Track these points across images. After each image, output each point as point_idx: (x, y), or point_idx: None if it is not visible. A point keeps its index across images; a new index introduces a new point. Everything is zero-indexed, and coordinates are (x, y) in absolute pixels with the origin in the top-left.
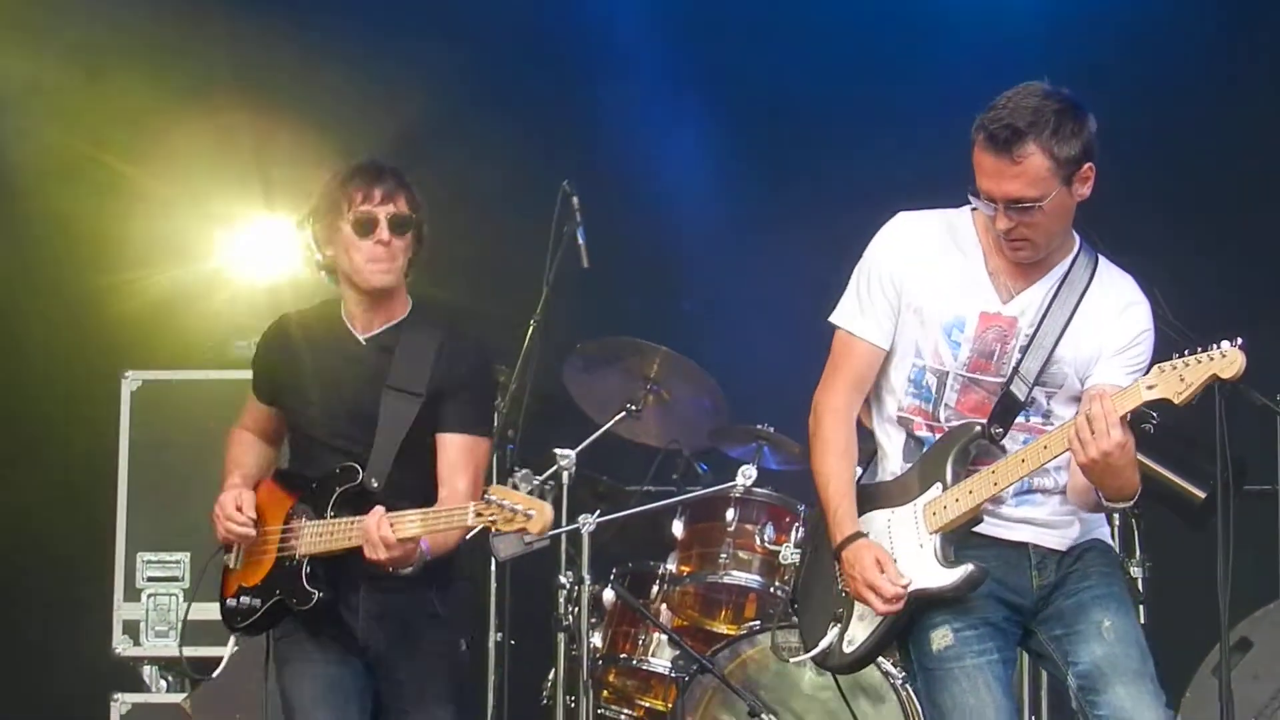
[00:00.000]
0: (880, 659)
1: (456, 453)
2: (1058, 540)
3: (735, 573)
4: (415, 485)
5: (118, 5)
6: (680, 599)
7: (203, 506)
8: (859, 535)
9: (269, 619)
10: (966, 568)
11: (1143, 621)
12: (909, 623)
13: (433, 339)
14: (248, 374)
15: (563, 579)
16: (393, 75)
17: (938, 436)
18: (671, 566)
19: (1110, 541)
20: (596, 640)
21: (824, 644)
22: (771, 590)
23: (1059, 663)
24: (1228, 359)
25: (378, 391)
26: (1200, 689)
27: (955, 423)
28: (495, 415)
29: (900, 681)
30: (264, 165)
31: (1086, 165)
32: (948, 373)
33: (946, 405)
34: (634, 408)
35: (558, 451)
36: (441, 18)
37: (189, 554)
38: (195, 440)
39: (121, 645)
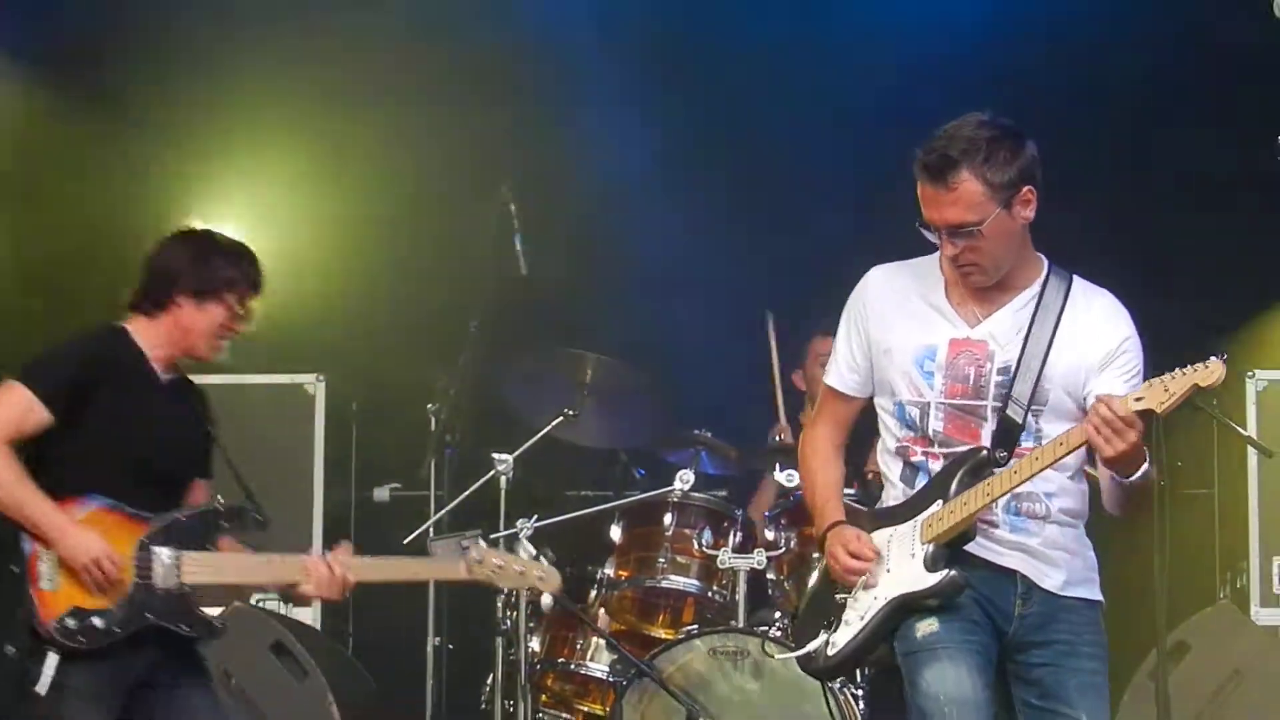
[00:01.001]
0: None
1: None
2: (1048, 579)
3: (673, 577)
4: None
5: None
6: (618, 603)
7: None
8: (839, 523)
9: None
10: (947, 572)
11: None
12: (891, 631)
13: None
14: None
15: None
16: (336, 78)
17: (932, 461)
18: (609, 571)
19: (1100, 598)
20: (535, 645)
21: (811, 647)
22: (709, 595)
23: None
24: (1209, 369)
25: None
26: (1136, 694)
27: (956, 448)
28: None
29: (838, 686)
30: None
31: (1025, 189)
32: (928, 403)
33: (934, 432)
34: (571, 412)
35: (495, 456)
36: (386, 20)
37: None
38: None
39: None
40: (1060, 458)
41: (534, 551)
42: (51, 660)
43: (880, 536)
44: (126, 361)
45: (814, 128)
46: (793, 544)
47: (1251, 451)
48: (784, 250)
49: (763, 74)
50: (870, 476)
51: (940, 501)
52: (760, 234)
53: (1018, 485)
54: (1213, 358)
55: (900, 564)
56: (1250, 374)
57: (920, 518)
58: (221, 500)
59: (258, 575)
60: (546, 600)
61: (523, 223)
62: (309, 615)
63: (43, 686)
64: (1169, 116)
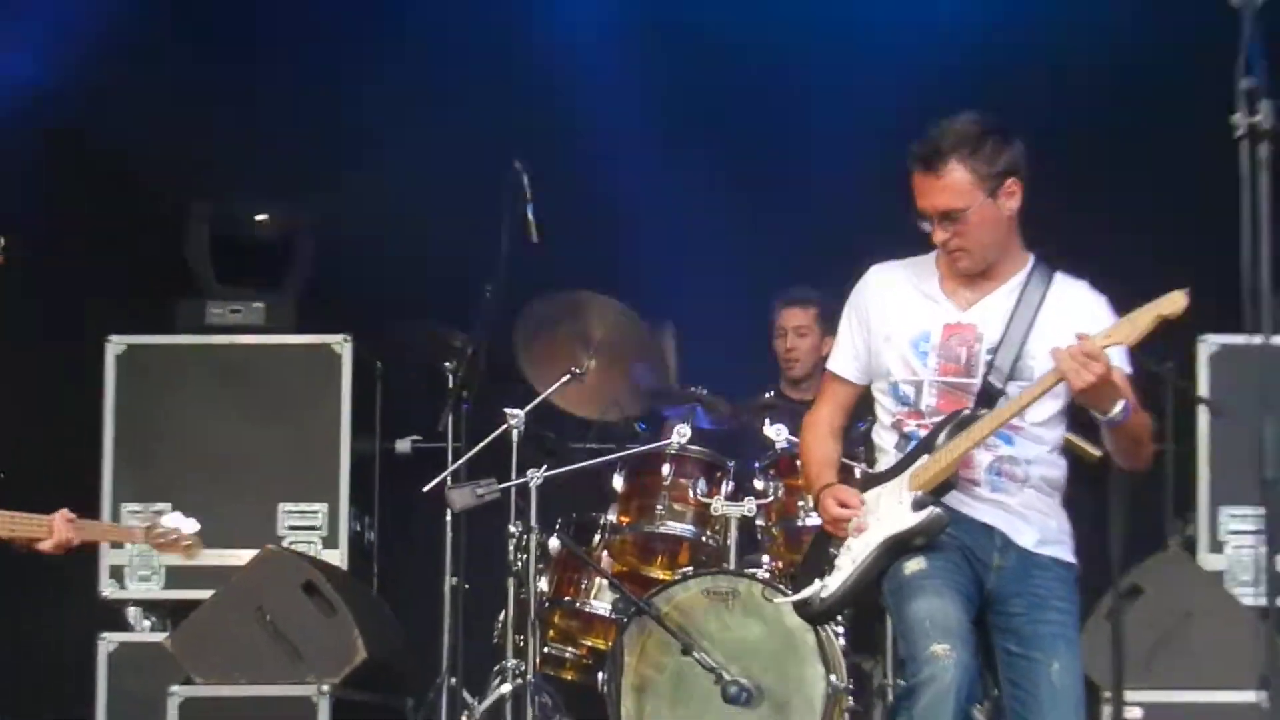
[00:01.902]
0: None
1: None
2: (1023, 536)
3: (670, 523)
4: None
5: None
6: (620, 547)
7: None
8: (828, 485)
9: None
10: (931, 509)
11: None
12: (880, 572)
13: None
14: (225, 339)
15: (512, 528)
16: (356, 62)
17: (924, 431)
18: (612, 517)
19: (1073, 560)
20: (543, 585)
21: (806, 593)
22: (703, 539)
23: (1001, 672)
24: (1172, 300)
25: None
26: (1094, 633)
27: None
28: None
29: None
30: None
31: (1010, 180)
32: (922, 381)
33: (928, 407)
34: (578, 371)
35: (508, 411)
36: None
37: (169, 505)
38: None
39: (108, 589)
40: (1037, 395)
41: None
42: None
43: (871, 494)
44: None
45: (824, 105)
46: (780, 493)
47: (1202, 410)
48: (784, 222)
49: (776, 48)
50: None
51: (926, 455)
52: (762, 207)
53: (1001, 425)
54: (1175, 291)
55: (889, 511)
56: (1202, 338)
57: (908, 472)
58: None
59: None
60: (554, 544)
61: (534, 193)
62: (337, 557)
63: None
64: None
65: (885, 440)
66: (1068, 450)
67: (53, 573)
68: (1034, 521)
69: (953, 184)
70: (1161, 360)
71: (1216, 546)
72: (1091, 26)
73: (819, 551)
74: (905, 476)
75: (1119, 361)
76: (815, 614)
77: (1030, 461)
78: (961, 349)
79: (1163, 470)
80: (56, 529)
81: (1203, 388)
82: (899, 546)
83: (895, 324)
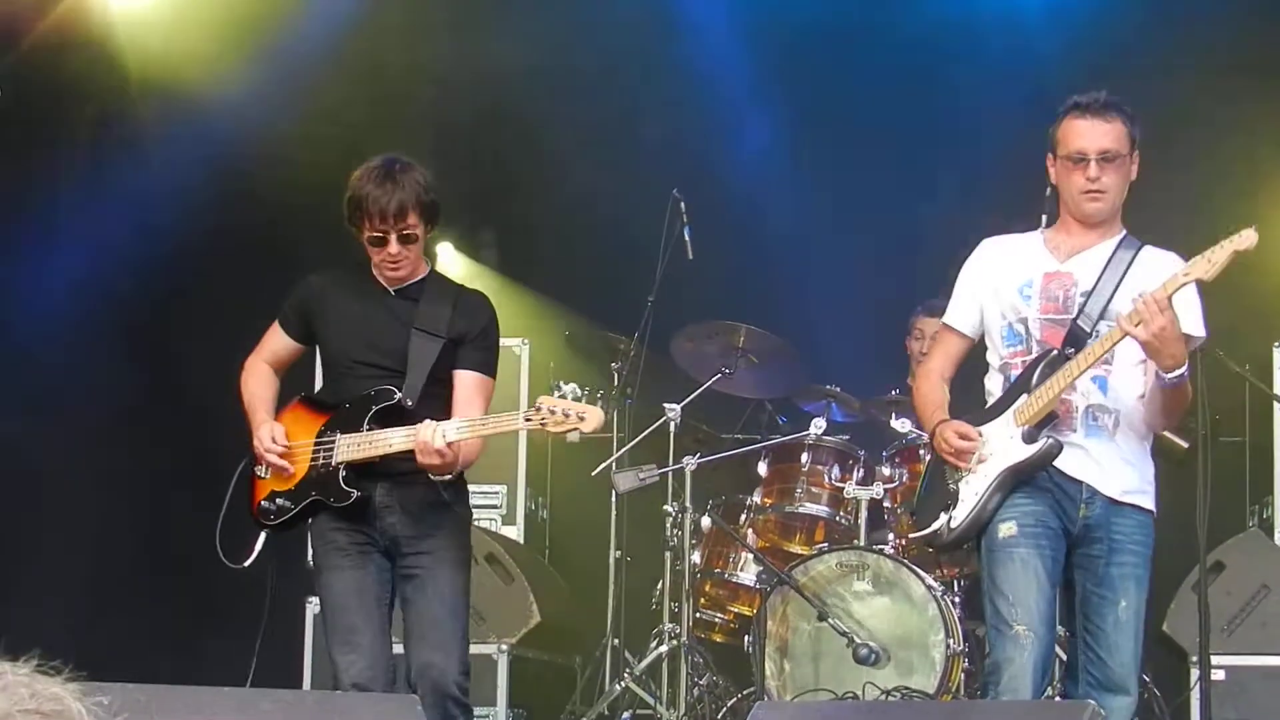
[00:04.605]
0: (923, 575)
1: (471, 387)
2: (1110, 485)
3: (808, 504)
4: (434, 412)
5: None
6: (763, 525)
7: None
8: (944, 420)
9: (300, 517)
10: (1045, 440)
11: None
12: (1001, 501)
13: (449, 294)
14: None
15: (669, 508)
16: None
17: None
18: (757, 499)
19: (1152, 507)
20: (696, 558)
21: (935, 526)
22: (837, 519)
23: (1079, 606)
24: (1244, 236)
25: (407, 332)
26: (1182, 603)
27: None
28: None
29: (940, 593)
30: None
31: (1137, 151)
32: (1026, 318)
33: (1036, 340)
34: (728, 370)
35: (666, 405)
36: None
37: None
38: None
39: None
40: (1119, 339)
41: (578, 393)
42: (260, 537)
43: (982, 429)
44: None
45: (934, 130)
46: (904, 478)
47: (1277, 406)
48: (895, 243)
49: (890, 79)
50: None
51: (1025, 395)
52: (882, 224)
53: (1093, 364)
54: (1246, 228)
55: (1001, 445)
56: (1278, 344)
57: (1011, 410)
58: (372, 391)
59: (397, 445)
60: (706, 522)
61: (690, 216)
62: (514, 533)
63: (248, 560)
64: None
65: (993, 384)
66: (1158, 442)
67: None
68: (1120, 470)
69: (1116, 130)
70: (1242, 363)
71: None
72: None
73: (935, 485)
74: (1009, 414)
75: (1194, 325)
76: (945, 544)
77: (1121, 409)
78: (1059, 292)
79: (1242, 460)
80: (420, 430)
81: (1277, 387)
82: (1016, 477)
83: (1004, 277)
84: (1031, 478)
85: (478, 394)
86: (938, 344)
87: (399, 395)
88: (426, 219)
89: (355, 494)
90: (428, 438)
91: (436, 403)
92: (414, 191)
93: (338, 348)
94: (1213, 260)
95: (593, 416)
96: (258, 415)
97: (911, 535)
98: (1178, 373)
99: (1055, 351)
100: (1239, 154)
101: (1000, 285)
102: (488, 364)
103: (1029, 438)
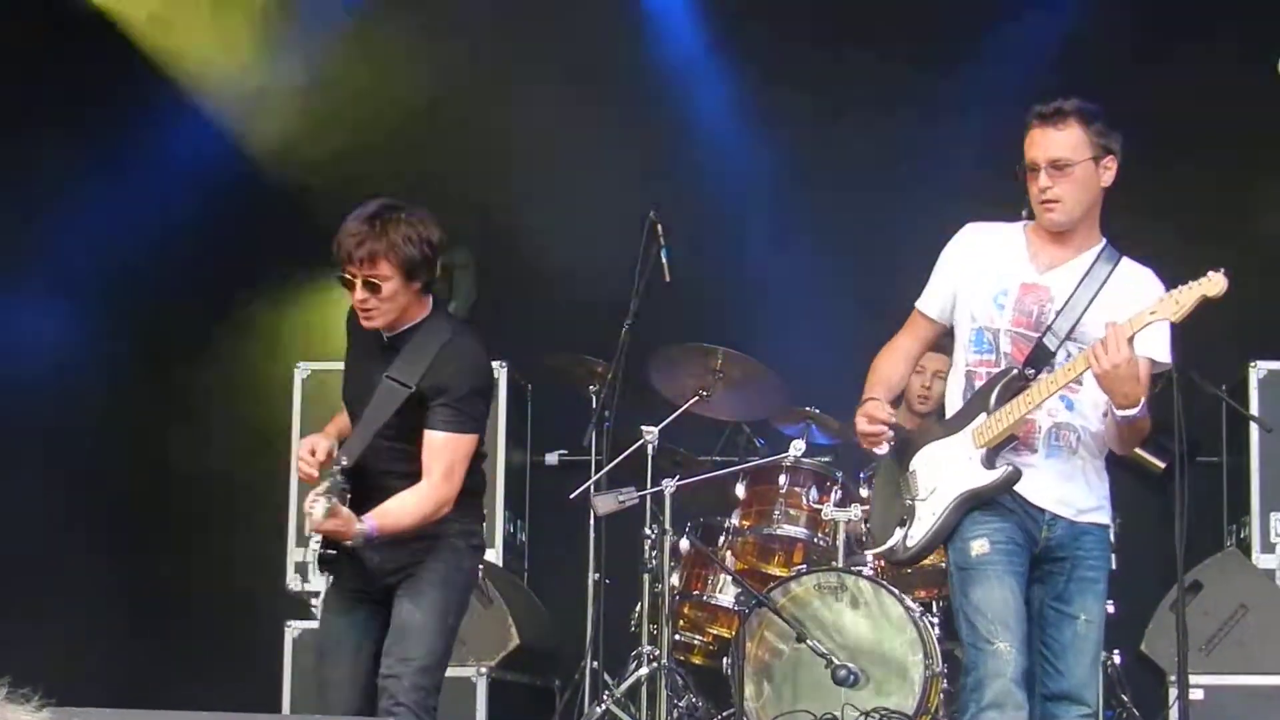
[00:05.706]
0: (902, 596)
1: (432, 449)
2: (1070, 507)
3: (786, 526)
4: (389, 469)
5: None
6: (742, 547)
7: None
8: (872, 399)
9: (331, 562)
10: (1005, 468)
11: (1113, 568)
12: (954, 531)
13: (437, 340)
14: None
15: (648, 530)
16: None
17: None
18: (735, 521)
19: (1109, 522)
20: (675, 580)
21: (891, 542)
22: (815, 540)
23: (1036, 620)
24: (1212, 281)
25: (380, 380)
26: (1160, 623)
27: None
28: (485, 413)
29: (919, 614)
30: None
31: (1110, 157)
32: (998, 329)
33: (1004, 354)
34: (705, 393)
35: (644, 428)
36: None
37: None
38: None
39: (293, 583)
40: (1081, 371)
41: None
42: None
43: (937, 446)
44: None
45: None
46: None
47: (1253, 427)
48: (874, 261)
49: (873, 91)
50: None
51: (984, 414)
52: (860, 249)
53: (1055, 392)
54: (1214, 272)
55: (959, 466)
56: (1253, 364)
57: (969, 428)
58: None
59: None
60: (684, 544)
61: (667, 238)
62: (493, 556)
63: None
64: None
65: (955, 386)
66: (1133, 461)
67: (244, 565)
68: (1079, 491)
69: (1068, 138)
70: (1218, 383)
71: (1268, 547)
72: None
73: (890, 504)
74: (968, 433)
75: (1162, 349)
76: (900, 560)
77: (1087, 425)
78: (1034, 306)
79: (1219, 480)
80: None
81: (1253, 407)
82: (974, 500)
83: (981, 274)
84: (993, 500)
85: (438, 458)
86: (908, 325)
87: (342, 462)
88: (405, 271)
89: (333, 552)
90: (319, 519)
91: (395, 455)
92: (392, 241)
93: (342, 391)
94: (1180, 302)
95: (319, 511)
96: (325, 428)
97: (866, 551)
98: (1130, 412)
99: (1015, 371)
100: (1232, 158)
101: (978, 282)
102: (458, 421)
103: (988, 462)
